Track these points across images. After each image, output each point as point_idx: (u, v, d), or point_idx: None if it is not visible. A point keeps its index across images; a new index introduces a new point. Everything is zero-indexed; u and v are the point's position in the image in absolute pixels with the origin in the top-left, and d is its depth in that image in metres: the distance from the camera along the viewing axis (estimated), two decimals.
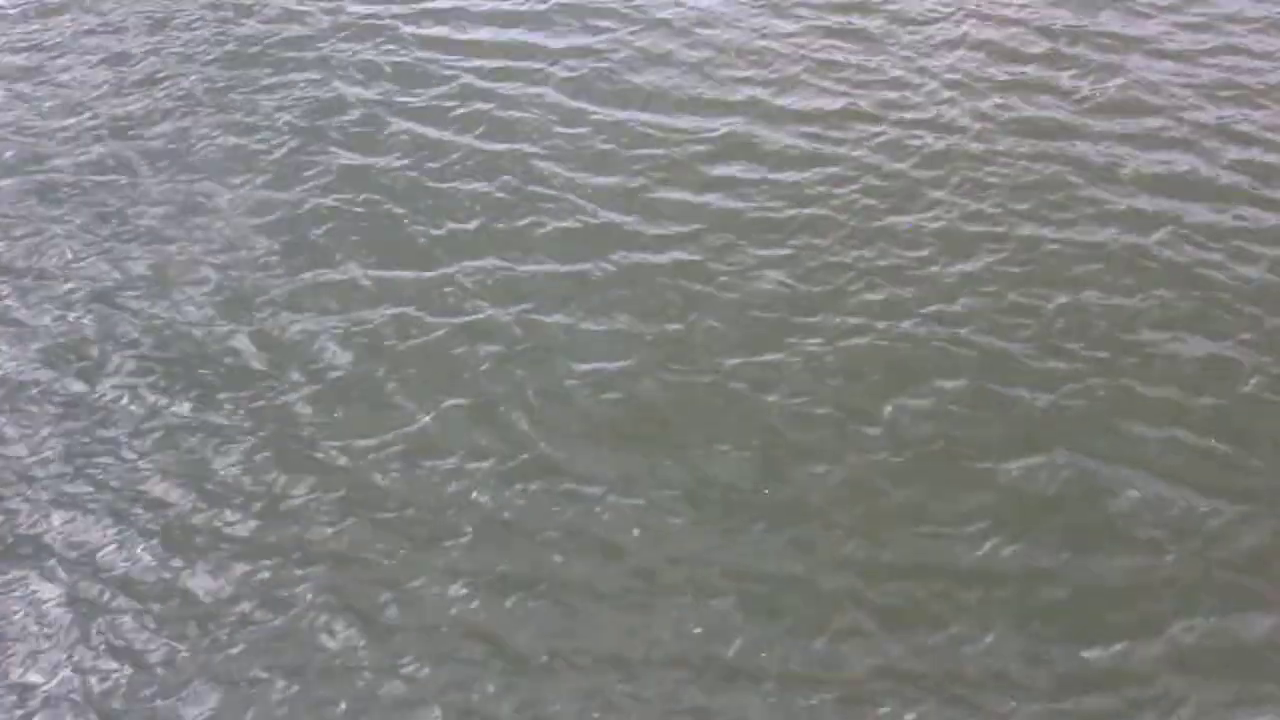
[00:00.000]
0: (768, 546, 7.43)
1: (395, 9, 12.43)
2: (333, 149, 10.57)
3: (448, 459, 7.97)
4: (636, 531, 7.52)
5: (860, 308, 8.92)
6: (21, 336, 8.94)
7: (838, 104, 10.94)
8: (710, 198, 9.91)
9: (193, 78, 11.46)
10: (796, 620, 7.05)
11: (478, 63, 11.60)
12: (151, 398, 8.46)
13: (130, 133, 10.84)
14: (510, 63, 11.57)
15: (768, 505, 7.65)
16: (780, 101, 10.96)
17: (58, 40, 12.18)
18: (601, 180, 10.12)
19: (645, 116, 10.82)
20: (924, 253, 9.35)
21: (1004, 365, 8.48)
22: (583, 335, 8.77)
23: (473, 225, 9.75)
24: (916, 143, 10.46)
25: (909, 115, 10.80)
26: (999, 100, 10.96)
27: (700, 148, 10.42)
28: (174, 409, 8.38)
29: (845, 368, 8.47)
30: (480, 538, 7.52)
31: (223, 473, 7.95)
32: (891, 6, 12.28)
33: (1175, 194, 9.86)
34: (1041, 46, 11.69)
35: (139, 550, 7.53)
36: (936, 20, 12.08)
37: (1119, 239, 9.42)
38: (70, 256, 9.61)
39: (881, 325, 8.77)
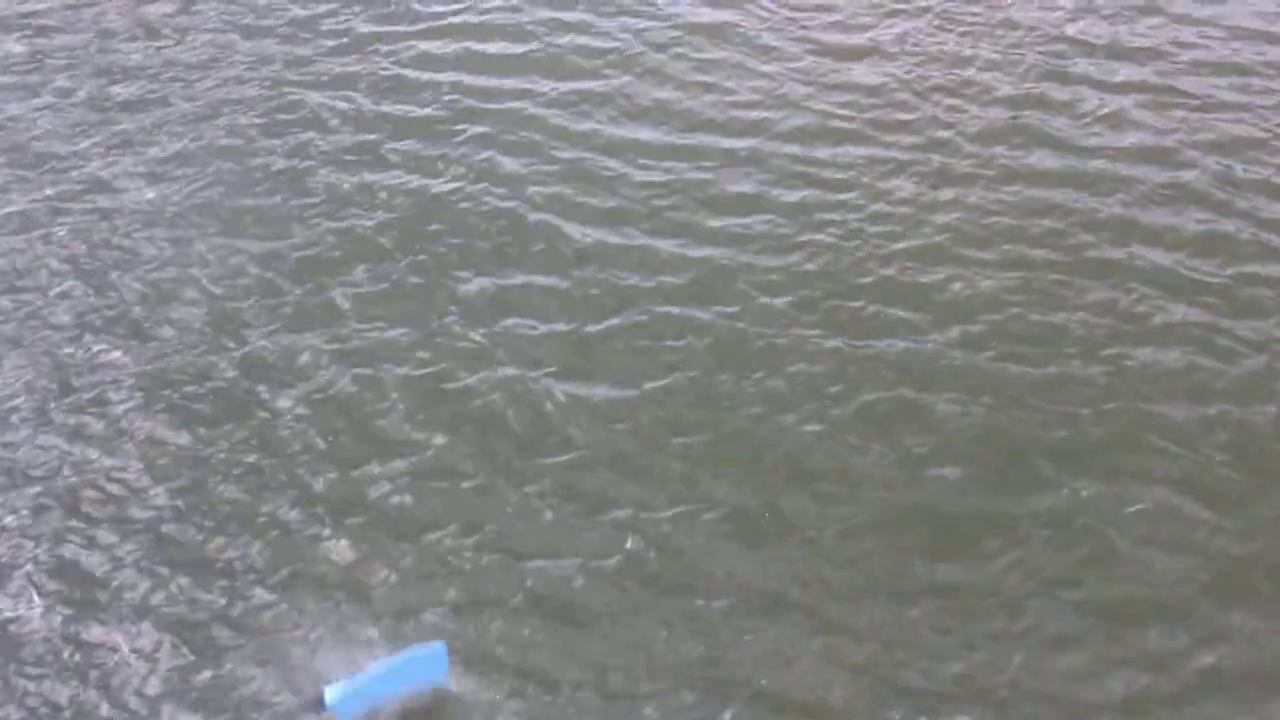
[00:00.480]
0: (776, 578, 7.16)
1: (400, 27, 12.23)
2: (327, 194, 10.25)
3: (444, 488, 7.67)
4: (650, 554, 7.27)
5: (873, 332, 8.69)
6: (9, 361, 8.68)
7: (846, 128, 10.73)
8: (718, 223, 9.65)
9: (193, 103, 11.22)
10: (808, 658, 6.77)
11: (476, 82, 11.41)
12: (141, 423, 8.17)
13: (124, 158, 10.57)
14: (509, 105, 11.27)
15: (777, 539, 7.37)
16: (787, 127, 10.74)
17: (56, 63, 11.95)
18: (606, 203, 9.89)
19: (651, 136, 10.61)
20: (937, 278, 9.12)
21: (1022, 392, 8.24)
22: (583, 365, 8.50)
23: (469, 250, 9.47)
24: (927, 168, 10.23)
25: (919, 135, 10.59)
26: (1010, 116, 10.79)
27: (706, 174, 10.19)
28: (162, 435, 8.08)
29: (856, 393, 8.23)
30: (486, 562, 7.24)
31: (212, 499, 7.65)
32: (894, 29, 12.08)
33: (1192, 211, 9.67)
34: (1052, 63, 11.53)
35: (130, 573, 7.22)
36: (945, 35, 11.90)
37: (1136, 259, 9.22)
38: (59, 281, 9.32)
39: (896, 351, 8.53)
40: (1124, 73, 11.42)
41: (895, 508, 7.53)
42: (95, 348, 8.76)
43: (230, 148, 10.64)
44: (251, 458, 7.90)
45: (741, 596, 7.07)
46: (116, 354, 8.67)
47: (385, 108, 11.12)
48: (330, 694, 6.45)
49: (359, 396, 8.31)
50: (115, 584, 7.22)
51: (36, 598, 7.17)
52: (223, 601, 7.11)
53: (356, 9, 12.61)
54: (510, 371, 8.43)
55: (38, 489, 7.79)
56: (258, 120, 10.95)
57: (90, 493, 7.74)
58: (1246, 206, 9.76)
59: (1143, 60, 11.60)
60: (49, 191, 10.23)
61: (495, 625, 6.94)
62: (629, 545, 7.34)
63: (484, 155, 10.46)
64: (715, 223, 9.67)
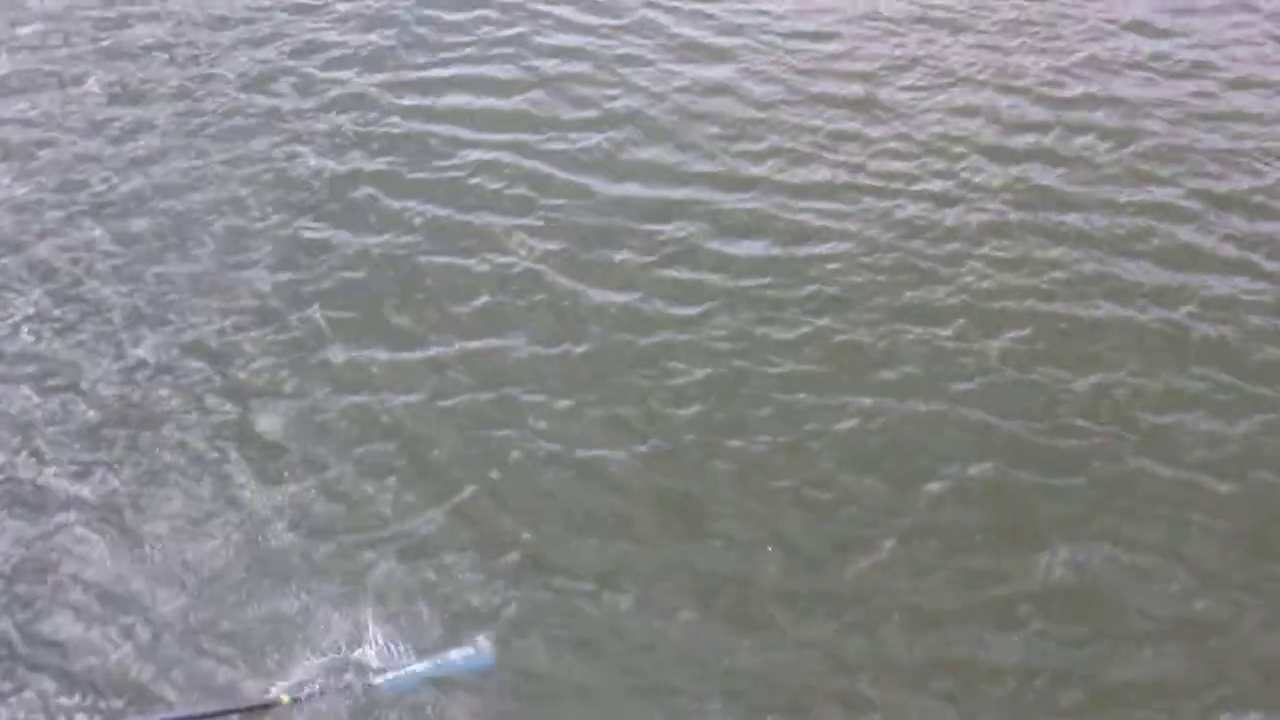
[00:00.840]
0: (779, 644, 6.98)
1: (395, 79, 12.08)
2: (323, 226, 10.13)
3: (428, 554, 7.46)
4: (634, 629, 7.07)
5: (879, 389, 8.55)
6: None
7: (853, 178, 10.62)
8: (721, 277, 9.53)
9: (188, 155, 11.01)
10: None
11: (477, 136, 11.24)
12: (108, 481, 7.94)
13: (117, 212, 10.32)
14: (511, 136, 11.20)
15: (779, 600, 7.20)
16: (793, 176, 10.62)
17: (55, 112, 11.77)
18: (607, 259, 9.73)
19: (652, 192, 10.46)
20: (946, 331, 9.00)
21: (1032, 449, 8.11)
22: (583, 423, 8.34)
23: (465, 308, 9.30)
24: (935, 217, 10.12)
25: (926, 188, 10.47)
26: (1018, 171, 10.66)
27: (711, 224, 10.06)
28: (126, 496, 7.85)
29: (864, 454, 8.08)
30: (466, 636, 7.00)
31: (190, 567, 7.42)
32: (904, 78, 12.02)
33: (1201, 267, 9.58)
34: (1059, 115, 11.42)
35: (84, 633, 7.04)
36: (950, 89, 11.82)
37: (1144, 315, 9.11)
38: (35, 339, 9.05)
39: (901, 409, 8.39)
40: (1134, 125, 11.32)
41: (899, 569, 7.38)
42: (64, 401, 8.55)
43: (221, 201, 10.47)
44: (235, 527, 7.69)
45: (731, 667, 6.88)
46: (93, 412, 8.47)
47: (383, 163, 10.96)
48: (382, 679, 6.60)
49: (345, 462, 8.11)
50: (68, 638, 7.04)
51: None
52: (203, 668, 6.91)
53: (356, 63, 12.47)
54: (506, 434, 8.26)
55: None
56: (252, 176, 10.76)
57: (56, 551, 7.55)
58: (1259, 262, 9.66)
59: (1153, 112, 11.50)
60: (26, 248, 10.03)
61: (482, 699, 6.74)
62: (624, 610, 7.17)
63: (480, 212, 10.32)
64: (719, 281, 9.54)
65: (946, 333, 8.99)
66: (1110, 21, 12.99)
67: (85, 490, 7.93)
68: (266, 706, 6.41)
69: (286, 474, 8.02)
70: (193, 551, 7.53)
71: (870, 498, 7.81)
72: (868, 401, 8.44)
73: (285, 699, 6.41)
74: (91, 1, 13.40)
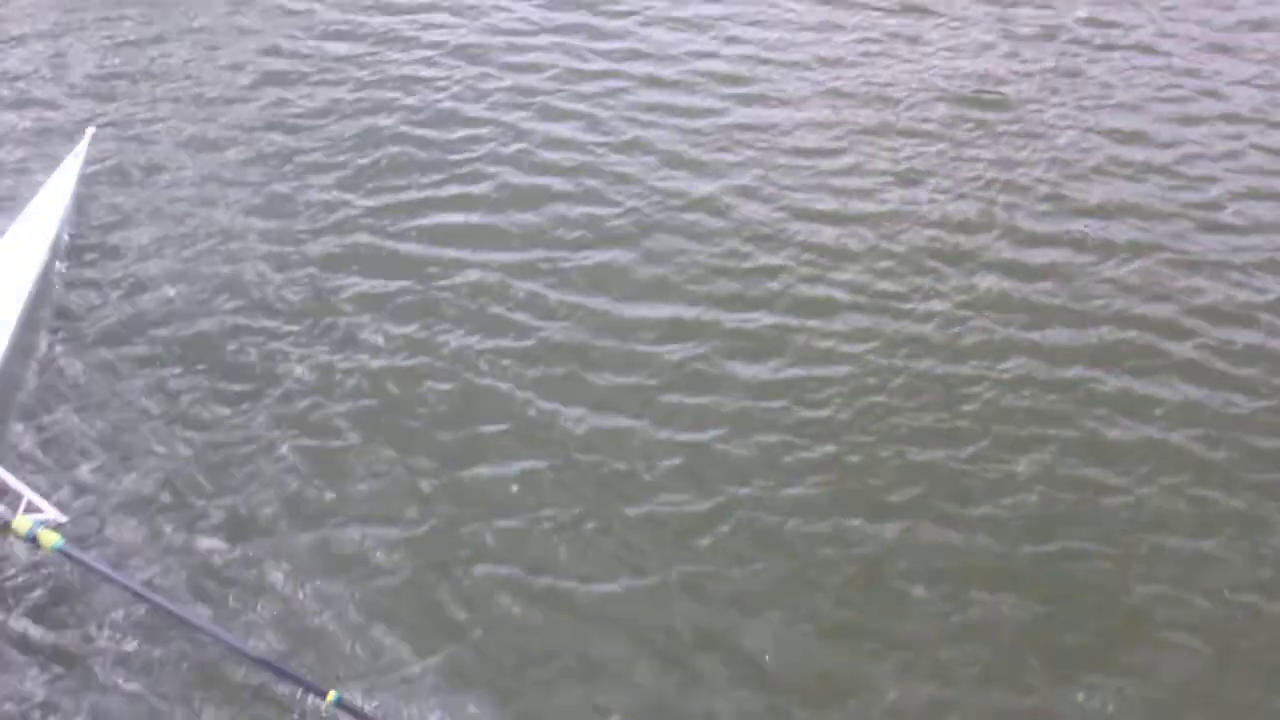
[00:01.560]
0: None
1: (387, 201, 11.71)
2: (299, 347, 9.71)
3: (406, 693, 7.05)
4: None
5: (896, 514, 8.30)
6: None
7: (855, 301, 10.37)
8: (725, 406, 9.22)
9: (166, 288, 10.40)
10: None
11: (470, 256, 10.89)
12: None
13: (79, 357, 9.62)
14: (508, 256, 10.86)
15: None
16: (799, 296, 10.40)
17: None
18: (607, 382, 9.44)
19: (653, 313, 10.20)
20: (961, 455, 8.76)
21: (1052, 583, 7.86)
22: (585, 555, 8.01)
23: (453, 435, 8.91)
24: (945, 337, 9.90)
25: (935, 308, 10.24)
26: (1029, 288, 10.47)
27: (715, 346, 9.79)
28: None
29: (876, 584, 7.81)
30: None
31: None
32: (910, 192, 11.81)
33: (1213, 385, 9.42)
34: (1067, 229, 11.28)
35: None
36: (957, 202, 11.66)
37: (1164, 434, 8.92)
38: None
39: (915, 538, 8.13)
40: (1142, 238, 11.21)
41: (910, 709, 7.11)
42: None
43: (195, 340, 9.90)
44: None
45: None
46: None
47: (373, 283, 10.60)
48: None
49: (333, 601, 7.68)
50: None
51: None
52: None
53: (348, 182, 12.13)
54: (505, 571, 7.91)
55: None
56: (232, 306, 10.25)
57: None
58: (1257, 377, 9.55)
59: (1158, 221, 11.44)
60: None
61: None
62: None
63: (475, 335, 9.97)
64: (722, 406, 9.27)
65: (961, 456, 8.75)
66: (1114, 132, 12.98)
67: None
68: (313, 689, 6.71)
69: (275, 619, 7.58)
70: None
71: (881, 629, 7.55)
72: (880, 529, 8.19)
73: (332, 696, 6.61)
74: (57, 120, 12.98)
